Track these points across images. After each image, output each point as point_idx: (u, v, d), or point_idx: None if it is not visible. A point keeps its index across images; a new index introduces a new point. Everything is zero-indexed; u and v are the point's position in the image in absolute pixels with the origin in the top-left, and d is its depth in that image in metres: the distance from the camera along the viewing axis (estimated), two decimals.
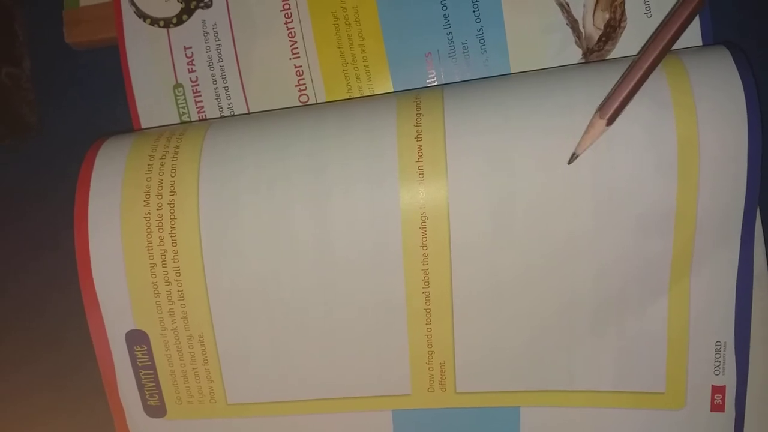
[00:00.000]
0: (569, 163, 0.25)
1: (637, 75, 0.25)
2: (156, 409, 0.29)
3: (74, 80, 0.34)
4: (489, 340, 0.27)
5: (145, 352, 0.28)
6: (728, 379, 0.27)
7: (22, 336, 0.35)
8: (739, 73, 0.25)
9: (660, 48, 0.25)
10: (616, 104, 0.25)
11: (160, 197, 0.27)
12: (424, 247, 0.26)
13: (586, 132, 0.25)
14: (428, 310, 0.27)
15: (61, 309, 0.34)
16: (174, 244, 0.27)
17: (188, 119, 0.31)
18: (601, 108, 0.25)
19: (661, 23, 0.26)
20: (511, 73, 0.29)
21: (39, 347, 0.34)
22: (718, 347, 0.27)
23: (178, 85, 0.31)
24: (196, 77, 0.31)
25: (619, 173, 0.25)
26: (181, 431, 0.30)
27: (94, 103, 0.33)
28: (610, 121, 0.25)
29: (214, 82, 0.31)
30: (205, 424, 0.29)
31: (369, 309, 0.27)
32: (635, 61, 0.25)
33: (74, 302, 0.29)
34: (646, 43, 0.26)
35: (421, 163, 0.26)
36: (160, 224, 0.27)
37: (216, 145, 0.28)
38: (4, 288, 0.35)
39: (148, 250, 0.27)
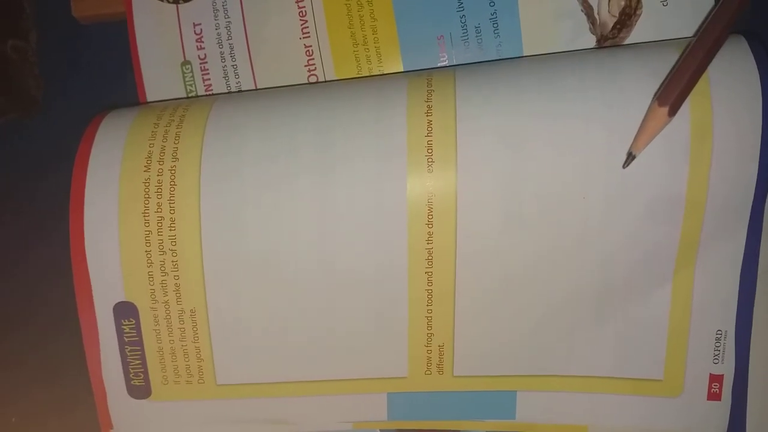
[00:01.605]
0: (624, 166, 0.24)
1: (701, 53, 0.22)
2: (140, 389, 0.28)
3: (81, 55, 0.33)
4: (490, 325, 0.27)
5: (133, 326, 0.27)
6: (727, 368, 0.27)
7: (17, 330, 0.34)
8: (755, 60, 0.25)
9: (726, 20, 0.22)
10: (679, 89, 0.22)
11: (161, 163, 0.26)
12: (430, 225, 0.25)
13: (644, 125, 0.22)
14: (430, 291, 0.26)
15: (63, 293, 0.33)
16: (171, 212, 0.26)
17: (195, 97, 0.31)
18: (660, 94, 0.22)
19: None
20: (525, 56, 0.29)
21: (34, 342, 0.34)
22: (719, 336, 0.27)
23: (186, 62, 0.31)
24: (205, 54, 0.31)
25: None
26: (166, 414, 0.28)
27: (100, 78, 0.33)
28: (673, 111, 0.22)
29: (223, 60, 0.31)
30: (191, 406, 0.28)
31: (369, 288, 0.26)
32: (696, 38, 0.24)
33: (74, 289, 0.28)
34: (707, 17, 0.24)
35: (430, 139, 0.25)
36: (158, 190, 0.26)
37: (223, 115, 0.27)
38: (4, 270, 0.34)
39: (145, 216, 0.26)
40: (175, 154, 0.26)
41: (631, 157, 0.24)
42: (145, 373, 0.28)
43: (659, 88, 0.24)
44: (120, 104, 0.31)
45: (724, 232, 0.26)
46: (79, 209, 0.27)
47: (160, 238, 0.26)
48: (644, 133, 0.23)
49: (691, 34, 0.28)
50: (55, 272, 0.33)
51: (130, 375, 0.28)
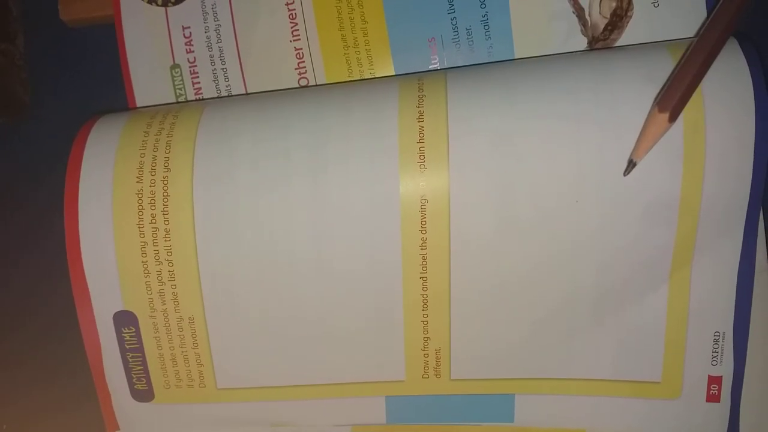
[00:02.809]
0: (626, 174, 0.24)
1: (701, 57, 0.22)
2: (143, 393, 0.29)
3: (69, 59, 0.33)
4: (486, 329, 0.27)
5: (133, 334, 0.28)
6: (725, 370, 0.27)
7: (16, 331, 0.34)
8: (748, 62, 0.25)
9: (725, 24, 0.22)
10: (679, 94, 0.22)
11: (153, 174, 0.26)
12: (423, 231, 0.25)
13: (645, 132, 0.23)
14: (425, 296, 0.26)
15: (55, 298, 0.33)
16: (166, 222, 0.26)
17: (185, 100, 0.31)
18: (660, 100, 0.22)
19: None
20: (516, 59, 0.29)
21: (33, 343, 0.34)
22: (717, 337, 0.27)
23: (175, 66, 0.31)
24: (194, 58, 0.31)
25: (623, 161, 0.25)
26: (169, 416, 0.29)
27: (88, 82, 0.33)
28: (673, 117, 0.22)
29: (212, 63, 0.31)
30: (193, 409, 0.29)
31: (365, 292, 0.26)
32: (695, 42, 0.23)
33: (69, 291, 0.28)
34: (706, 20, 0.24)
35: (422, 144, 0.25)
36: (152, 201, 0.26)
37: (213, 122, 0.27)
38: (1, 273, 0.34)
39: (139, 228, 0.26)
40: (166, 164, 0.26)
41: (632, 164, 0.24)
42: (147, 378, 0.28)
43: (659, 94, 0.24)
44: (109, 108, 0.31)
45: (720, 232, 0.26)
46: (73, 221, 0.27)
47: (156, 248, 0.26)
48: (645, 139, 0.23)
49: (682, 35, 0.28)
50: (51, 275, 0.33)
51: (133, 380, 0.28)
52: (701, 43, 0.24)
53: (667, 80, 0.24)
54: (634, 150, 0.24)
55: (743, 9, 0.23)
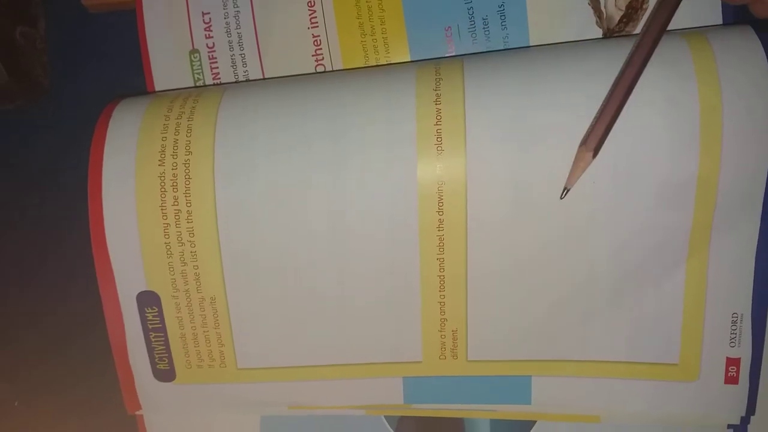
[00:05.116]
0: (562, 197, 0.25)
1: (618, 100, 0.25)
2: (165, 373, 0.29)
3: (89, 43, 0.33)
4: (503, 310, 0.27)
5: (156, 314, 0.28)
6: (743, 351, 0.27)
7: (35, 331, 0.34)
8: (763, 44, 0.25)
9: (638, 65, 0.25)
10: (599, 135, 0.25)
11: (175, 157, 0.27)
12: (440, 213, 0.26)
13: (574, 166, 0.25)
14: (442, 277, 0.27)
15: (85, 285, 0.33)
16: (188, 205, 0.27)
17: (203, 86, 0.31)
18: (585, 141, 0.25)
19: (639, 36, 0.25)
20: (532, 45, 0.29)
21: (54, 344, 0.34)
22: (735, 319, 0.27)
23: (194, 51, 0.31)
24: (213, 43, 0.31)
25: (640, 143, 0.25)
26: (190, 396, 0.29)
27: (108, 67, 0.33)
28: (596, 153, 0.25)
29: (231, 48, 0.31)
30: (214, 389, 0.29)
31: (382, 274, 0.27)
32: (615, 86, 0.25)
33: (90, 283, 0.28)
34: (625, 64, 0.25)
35: (439, 128, 0.26)
36: (174, 184, 0.27)
37: (233, 106, 0.27)
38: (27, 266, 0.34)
39: (162, 210, 0.27)
40: (188, 148, 0.27)
41: (566, 190, 0.25)
42: (169, 357, 0.29)
43: (585, 136, 0.25)
44: (128, 93, 0.31)
45: (738, 213, 0.26)
46: (97, 204, 0.27)
47: (179, 230, 0.27)
48: (575, 172, 0.25)
49: (694, 27, 0.28)
50: (71, 262, 0.34)
51: (155, 359, 0.29)
52: (620, 85, 0.25)
53: (592, 122, 0.25)
54: (567, 180, 0.25)
55: (656, 45, 0.25)
